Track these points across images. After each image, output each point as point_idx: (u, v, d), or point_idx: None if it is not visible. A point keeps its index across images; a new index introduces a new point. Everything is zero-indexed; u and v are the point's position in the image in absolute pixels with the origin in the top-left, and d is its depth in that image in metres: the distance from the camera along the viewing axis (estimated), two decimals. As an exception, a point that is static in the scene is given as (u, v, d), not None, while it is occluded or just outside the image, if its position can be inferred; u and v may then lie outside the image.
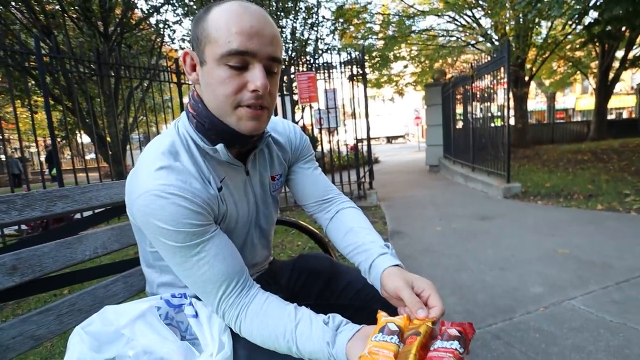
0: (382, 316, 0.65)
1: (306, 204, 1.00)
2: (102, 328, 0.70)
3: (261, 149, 0.88)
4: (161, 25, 8.39)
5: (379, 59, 12.26)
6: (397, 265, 0.77)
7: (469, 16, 11.12)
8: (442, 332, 0.59)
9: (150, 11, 8.30)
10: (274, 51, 0.69)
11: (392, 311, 0.71)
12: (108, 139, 6.29)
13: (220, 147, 0.73)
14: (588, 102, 23.14)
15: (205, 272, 0.69)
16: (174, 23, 8.35)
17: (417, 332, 0.58)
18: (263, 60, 0.68)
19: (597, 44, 8.14)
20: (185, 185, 0.67)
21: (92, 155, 17.92)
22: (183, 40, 8.63)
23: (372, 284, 0.81)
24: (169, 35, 8.57)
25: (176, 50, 9.50)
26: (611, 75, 11.00)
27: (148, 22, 8.88)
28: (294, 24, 8.65)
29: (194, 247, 0.68)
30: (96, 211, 1.00)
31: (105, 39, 7.02)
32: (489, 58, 5.89)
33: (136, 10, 8.36)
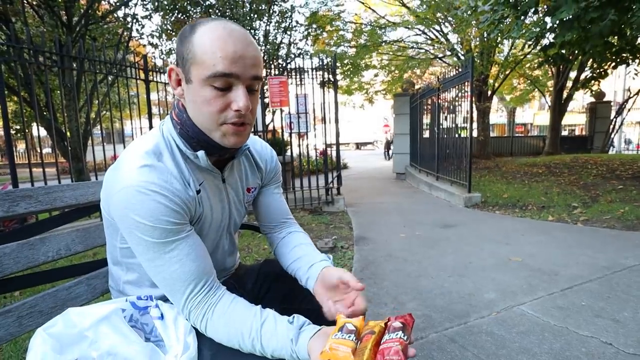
0: (340, 317, 0.72)
1: (264, 224, 1.08)
2: (64, 330, 0.70)
3: (239, 161, 0.92)
4: (129, 19, 8.13)
5: (350, 66, 12.46)
6: None
7: (437, 31, 11.54)
8: (388, 327, 0.67)
9: (118, 4, 8.03)
10: (255, 72, 0.73)
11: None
12: (68, 133, 6.01)
13: (201, 153, 0.77)
14: (545, 118, 24.52)
15: (176, 270, 0.72)
16: (143, 18, 8.11)
17: (372, 331, 0.66)
18: (246, 81, 0.72)
19: (553, 64, 8.69)
20: (166, 185, 0.71)
21: (49, 150, 17.02)
22: (152, 36, 8.39)
23: (306, 284, 0.90)
24: (137, 30, 8.30)
25: (144, 46, 9.21)
26: (565, 94, 11.74)
27: (115, 15, 8.57)
28: (267, 27, 8.64)
29: (169, 244, 0.71)
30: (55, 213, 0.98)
31: (68, 29, 6.71)
32: (455, 72, 6.16)
33: (103, 1, 8.06)
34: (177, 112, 0.79)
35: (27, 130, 5.83)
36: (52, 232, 0.91)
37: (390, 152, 22.18)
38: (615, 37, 5.97)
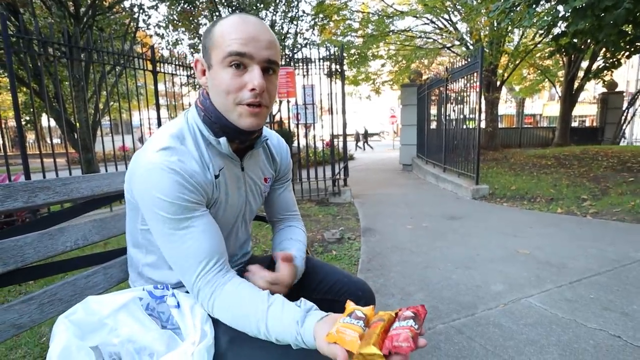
0: (350, 304, 0.71)
1: (270, 216, 1.14)
2: (85, 317, 0.72)
3: (258, 151, 0.96)
4: (136, 10, 8.12)
5: (357, 56, 12.34)
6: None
7: (446, 20, 11.37)
8: (399, 316, 0.66)
9: (125, -6, 8.01)
10: (270, 54, 0.78)
11: (361, 305, 0.77)
12: (77, 124, 6.06)
13: (223, 140, 0.82)
14: (554, 109, 24.19)
15: (190, 246, 0.75)
16: (149, 8, 8.08)
17: (382, 319, 0.64)
18: (260, 62, 0.77)
19: (564, 54, 8.54)
20: (185, 166, 0.76)
21: (58, 140, 17.17)
22: (158, 26, 8.36)
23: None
24: (143, 20, 8.28)
25: (151, 37, 9.20)
26: (576, 84, 11.55)
27: (122, 6, 8.56)
28: (274, 17, 8.57)
29: (184, 220, 0.75)
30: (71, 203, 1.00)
31: (76, 20, 6.72)
32: (464, 62, 6.08)
33: (110, -8, 8.04)
34: (202, 99, 0.84)
35: (37, 121, 5.88)
36: (70, 222, 0.93)
37: (361, 143, 22.24)
38: (630, 26, 5.84)
